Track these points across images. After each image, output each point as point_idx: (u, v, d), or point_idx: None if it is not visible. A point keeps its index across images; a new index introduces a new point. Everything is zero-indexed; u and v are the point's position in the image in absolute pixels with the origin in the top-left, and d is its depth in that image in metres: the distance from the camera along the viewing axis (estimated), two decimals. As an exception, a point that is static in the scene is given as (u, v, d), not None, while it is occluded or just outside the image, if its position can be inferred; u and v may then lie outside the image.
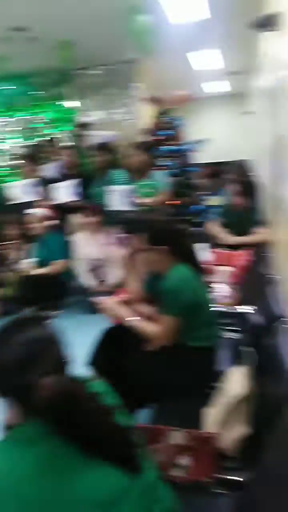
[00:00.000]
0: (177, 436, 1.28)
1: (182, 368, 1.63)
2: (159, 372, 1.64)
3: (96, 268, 3.62)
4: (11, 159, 5.38)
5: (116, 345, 1.80)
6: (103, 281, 3.62)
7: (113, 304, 1.86)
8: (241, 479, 1.19)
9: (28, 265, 3.44)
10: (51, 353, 0.85)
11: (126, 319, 1.76)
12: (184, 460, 1.25)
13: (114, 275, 3.58)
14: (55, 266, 3.46)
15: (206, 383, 1.64)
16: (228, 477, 1.23)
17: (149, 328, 1.69)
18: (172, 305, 1.61)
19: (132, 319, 1.74)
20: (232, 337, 2.01)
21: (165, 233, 1.68)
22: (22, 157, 4.11)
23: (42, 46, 3.97)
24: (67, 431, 0.78)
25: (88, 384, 0.88)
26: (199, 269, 1.71)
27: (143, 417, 1.67)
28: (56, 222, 3.60)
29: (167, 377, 1.62)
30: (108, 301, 1.87)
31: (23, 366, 0.80)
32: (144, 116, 5.08)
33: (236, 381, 1.35)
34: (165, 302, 1.63)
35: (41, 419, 0.77)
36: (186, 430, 1.27)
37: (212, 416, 1.36)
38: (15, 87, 5.17)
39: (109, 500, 0.77)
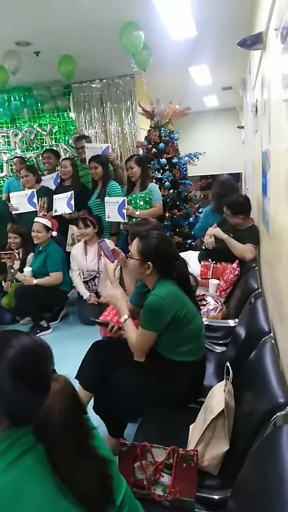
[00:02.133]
0: (159, 454, 1.27)
1: (167, 383, 1.62)
2: (144, 386, 1.64)
3: (92, 279, 3.64)
4: (13, 170, 5.45)
5: (103, 360, 1.80)
6: (97, 292, 3.65)
7: (120, 294, 1.84)
8: (221, 497, 1.18)
9: (27, 274, 3.46)
10: (52, 359, 0.86)
11: (122, 315, 1.76)
12: (166, 479, 1.25)
13: (108, 286, 3.60)
14: (53, 277, 3.48)
15: (191, 398, 1.64)
16: (209, 495, 1.22)
17: (132, 334, 1.70)
18: (150, 322, 1.60)
19: (126, 317, 1.74)
20: (218, 350, 2.02)
21: (154, 249, 1.67)
22: (24, 168, 4.15)
23: (45, 60, 4.05)
24: (54, 445, 0.77)
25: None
26: (187, 284, 1.71)
27: (127, 433, 1.67)
28: (55, 233, 3.63)
29: (152, 391, 1.62)
30: (116, 291, 1.85)
31: (30, 366, 0.80)
32: (142, 129, 5.16)
33: (219, 397, 1.35)
34: (145, 317, 1.62)
35: (36, 428, 0.76)
36: (169, 447, 1.26)
37: (195, 433, 1.36)
38: (18, 99, 5.25)
39: None
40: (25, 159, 4.80)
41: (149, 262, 1.66)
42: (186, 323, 1.62)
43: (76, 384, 1.80)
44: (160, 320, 1.58)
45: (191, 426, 1.46)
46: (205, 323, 1.89)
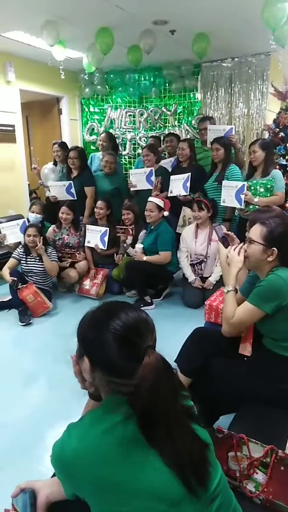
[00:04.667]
0: (256, 450, 1.23)
1: (272, 379, 1.55)
2: (246, 380, 1.59)
3: (199, 263, 3.63)
4: (135, 149, 5.69)
5: (204, 348, 1.79)
6: (203, 276, 3.63)
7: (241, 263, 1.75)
8: None
9: (138, 250, 3.62)
10: (153, 334, 0.91)
11: (227, 284, 1.71)
12: (260, 476, 1.20)
13: (215, 271, 3.56)
14: (162, 256, 3.57)
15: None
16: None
17: (230, 307, 1.64)
18: (262, 298, 1.54)
19: (230, 289, 1.68)
20: None
21: (280, 233, 1.59)
22: (146, 147, 4.29)
23: (179, 39, 4.04)
24: (148, 417, 0.81)
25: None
26: None
27: (223, 422, 1.65)
28: (167, 212, 3.69)
29: (254, 386, 1.56)
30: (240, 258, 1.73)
31: (129, 337, 0.86)
32: (270, 111, 4.83)
33: None
34: (258, 292, 1.56)
35: (129, 396, 0.82)
36: (267, 446, 1.21)
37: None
38: (148, 79, 5.38)
39: (170, 500, 0.80)
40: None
41: (274, 248, 1.58)
42: None
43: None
44: (273, 300, 1.51)
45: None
46: None
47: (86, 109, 5.96)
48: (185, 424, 0.87)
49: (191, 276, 3.62)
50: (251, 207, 3.31)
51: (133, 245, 3.81)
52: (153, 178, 3.99)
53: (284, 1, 2.93)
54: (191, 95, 5.35)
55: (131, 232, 3.88)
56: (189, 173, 3.74)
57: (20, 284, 3.44)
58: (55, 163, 4.58)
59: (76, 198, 4.12)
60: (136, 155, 5.59)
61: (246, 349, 1.70)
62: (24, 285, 3.46)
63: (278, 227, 1.59)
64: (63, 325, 3.27)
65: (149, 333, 0.90)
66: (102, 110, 5.88)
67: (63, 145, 4.56)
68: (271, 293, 1.52)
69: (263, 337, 1.68)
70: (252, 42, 4.31)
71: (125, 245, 3.84)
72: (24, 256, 3.62)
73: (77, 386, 1.01)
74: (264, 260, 1.62)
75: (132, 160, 5.74)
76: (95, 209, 4.03)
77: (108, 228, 3.85)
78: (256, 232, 1.63)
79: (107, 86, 5.67)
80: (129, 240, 3.88)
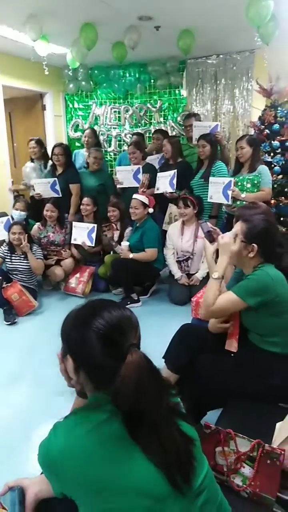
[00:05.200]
0: (243, 444, 1.24)
1: (259, 375, 1.56)
2: (233, 376, 1.60)
3: (185, 260, 3.64)
4: (121, 145, 5.67)
5: (192, 344, 1.79)
6: (189, 273, 3.65)
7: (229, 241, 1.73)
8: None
9: (124, 247, 3.60)
10: (136, 332, 0.91)
11: (214, 271, 1.68)
12: (247, 470, 1.21)
13: (201, 268, 3.57)
14: (148, 253, 3.57)
15: (282, 394, 1.56)
16: (291, 499, 1.16)
17: (212, 294, 1.62)
18: (247, 291, 1.55)
19: (217, 276, 1.66)
20: None
21: (261, 230, 1.60)
22: (131, 144, 4.27)
23: (164, 35, 4.03)
24: (132, 415, 0.81)
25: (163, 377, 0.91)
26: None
27: (210, 417, 1.66)
28: (152, 209, 3.68)
29: (241, 382, 1.57)
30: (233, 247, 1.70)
31: (112, 336, 0.86)
32: (254, 108, 4.86)
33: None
34: (244, 286, 1.57)
35: (112, 395, 0.82)
36: (254, 440, 1.22)
37: (282, 432, 1.29)
38: (133, 75, 5.36)
39: (155, 496, 0.80)
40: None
41: (254, 244, 1.59)
42: (283, 311, 1.55)
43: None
44: (259, 295, 1.53)
45: (278, 424, 1.39)
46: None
47: (71, 105, 5.89)
48: (170, 421, 0.86)
49: (177, 273, 3.63)
50: (238, 202, 3.33)
51: (119, 242, 3.80)
52: (140, 175, 3.97)
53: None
54: (177, 92, 5.35)
55: (115, 227, 3.86)
56: (175, 170, 3.74)
57: (4, 282, 3.39)
58: (32, 160, 4.48)
59: (61, 195, 4.08)
60: (122, 151, 5.56)
61: (232, 345, 1.70)
62: (9, 284, 3.41)
63: (260, 224, 1.61)
64: (48, 324, 3.23)
65: (132, 331, 0.90)
66: (86, 107, 5.82)
67: (39, 142, 4.43)
68: (258, 288, 1.54)
69: (249, 333, 1.69)
70: (236, 39, 4.33)
71: (113, 243, 3.82)
72: (8, 254, 3.57)
73: (63, 384, 1.00)
74: (245, 256, 1.64)
75: (117, 157, 5.71)
76: (82, 206, 4.00)
77: (95, 224, 3.83)
78: (238, 228, 1.66)
79: (91, 82, 5.62)
80: (116, 236, 3.87)
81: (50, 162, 4.37)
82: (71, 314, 0.95)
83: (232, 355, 1.70)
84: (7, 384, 2.44)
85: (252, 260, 1.63)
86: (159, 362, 0.90)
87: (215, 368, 1.64)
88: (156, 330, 2.10)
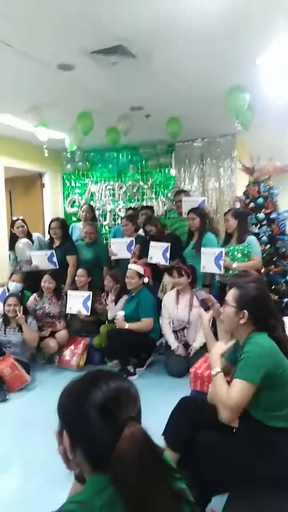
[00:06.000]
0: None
1: (265, 454, 1.47)
2: (237, 455, 1.50)
3: (181, 329, 3.62)
4: (115, 219, 5.93)
5: (193, 419, 1.71)
6: (186, 343, 3.60)
7: (216, 346, 1.75)
8: None
9: (119, 318, 3.59)
10: (135, 404, 0.87)
11: (214, 367, 1.63)
12: None
13: (198, 337, 3.54)
14: (144, 323, 3.55)
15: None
16: None
17: (222, 389, 1.54)
18: (247, 370, 1.48)
19: (218, 370, 1.61)
20: None
21: (253, 297, 1.62)
22: (125, 217, 4.48)
23: (154, 122, 4.46)
24: (135, 501, 0.75)
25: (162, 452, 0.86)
26: (284, 345, 1.57)
27: (216, 504, 1.53)
28: (147, 279, 3.75)
29: (247, 463, 1.47)
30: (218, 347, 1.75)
31: (109, 408, 0.82)
32: (240, 184, 5.22)
33: None
34: (242, 365, 1.51)
35: (111, 475, 0.76)
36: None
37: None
38: (126, 157, 5.80)
39: None
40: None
41: (245, 310, 1.60)
42: (284, 382, 1.50)
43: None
44: (258, 369, 1.47)
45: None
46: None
47: (68, 184, 6.26)
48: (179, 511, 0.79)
49: (174, 344, 3.58)
50: (230, 272, 3.42)
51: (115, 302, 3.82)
52: (133, 247, 4.11)
53: (244, 91, 3.34)
54: (166, 171, 5.76)
55: (105, 302, 3.91)
56: (169, 244, 3.87)
57: (-3, 356, 3.30)
58: (29, 237, 4.48)
59: (58, 267, 4.15)
60: (116, 225, 5.80)
61: (232, 416, 1.64)
62: (1, 357, 3.32)
63: (252, 291, 1.63)
64: (41, 401, 3.09)
65: (131, 403, 0.86)
66: (83, 184, 6.18)
67: (24, 221, 4.46)
68: (253, 364, 1.49)
69: (252, 411, 1.59)
70: (219, 125, 4.77)
71: (107, 305, 3.82)
72: (2, 327, 3.52)
73: (57, 469, 0.93)
74: (237, 323, 1.63)
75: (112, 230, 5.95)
76: (76, 278, 4.06)
77: (91, 292, 3.85)
78: (230, 295, 1.68)
79: (87, 163, 6.04)
80: (111, 305, 3.88)
81: (47, 236, 4.52)
82: (67, 386, 0.92)
83: (234, 430, 1.63)
84: (-4, 469, 2.26)
85: (243, 327, 1.62)
86: (158, 441, 0.85)
87: (218, 448, 1.55)
88: (154, 405, 2.01)
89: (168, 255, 3.85)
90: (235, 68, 3.19)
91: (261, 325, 1.60)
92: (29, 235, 4.51)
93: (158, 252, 3.92)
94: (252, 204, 4.30)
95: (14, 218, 4.59)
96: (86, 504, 0.77)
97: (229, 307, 1.65)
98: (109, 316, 3.83)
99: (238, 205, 4.62)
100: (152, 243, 4.02)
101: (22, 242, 4.50)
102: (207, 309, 1.89)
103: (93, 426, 0.81)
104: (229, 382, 1.57)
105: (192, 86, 3.57)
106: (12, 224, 4.48)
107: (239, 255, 3.49)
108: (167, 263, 3.84)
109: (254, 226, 4.14)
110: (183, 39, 2.70)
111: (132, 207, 5.57)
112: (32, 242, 4.49)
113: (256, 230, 4.12)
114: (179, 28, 2.54)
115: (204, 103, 3.99)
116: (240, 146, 5.18)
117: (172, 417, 1.80)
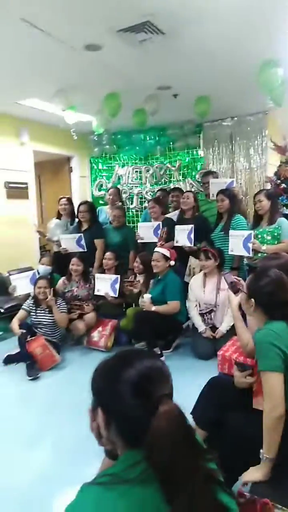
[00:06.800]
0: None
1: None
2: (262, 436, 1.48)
3: (208, 312, 3.60)
4: (142, 203, 5.90)
5: (221, 399, 1.72)
6: (213, 326, 3.58)
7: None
8: None
9: (146, 300, 3.61)
10: (168, 382, 0.87)
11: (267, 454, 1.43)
12: None
13: (225, 321, 3.51)
14: (171, 305, 3.56)
15: None
16: None
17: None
18: (265, 359, 1.43)
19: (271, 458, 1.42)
20: None
21: (260, 286, 1.55)
22: (152, 199, 4.45)
23: (182, 102, 4.35)
24: (169, 480, 0.75)
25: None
26: None
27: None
28: (173, 262, 3.73)
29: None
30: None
31: (143, 386, 0.83)
32: (271, 164, 5.05)
33: None
34: (258, 356, 1.47)
35: (145, 451, 0.77)
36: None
37: None
38: (153, 138, 5.72)
39: None
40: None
41: (252, 299, 1.56)
42: None
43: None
44: (275, 354, 1.40)
45: None
46: None
47: (95, 167, 6.27)
48: (208, 491, 0.78)
49: (201, 326, 3.57)
50: (259, 255, 3.34)
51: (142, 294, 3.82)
52: (159, 231, 4.09)
53: (276, 66, 3.18)
54: (194, 152, 5.64)
55: (138, 284, 3.92)
56: (192, 225, 3.83)
57: (28, 336, 3.41)
58: (59, 217, 4.70)
59: (86, 250, 4.20)
60: (143, 208, 5.78)
61: (260, 403, 1.62)
62: (33, 338, 3.43)
63: (264, 279, 1.56)
64: (71, 380, 3.19)
65: (164, 381, 0.87)
66: (110, 168, 6.17)
67: (70, 200, 4.75)
68: (267, 350, 1.43)
69: None
70: (249, 103, 4.61)
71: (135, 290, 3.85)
72: (34, 308, 3.63)
73: (86, 446, 0.96)
74: (249, 309, 1.59)
75: (139, 213, 5.92)
76: (104, 260, 4.10)
77: (118, 276, 3.89)
78: (248, 279, 1.65)
79: (114, 146, 6.01)
80: (138, 289, 3.90)
81: (76, 219, 4.58)
82: (101, 365, 0.93)
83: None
84: (28, 444, 2.35)
85: (255, 315, 1.58)
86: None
87: (245, 428, 1.54)
88: (182, 387, 2.02)
89: (192, 236, 3.80)
90: (267, 42, 3.04)
91: (272, 314, 1.53)
92: (72, 216, 4.59)
93: (183, 234, 3.88)
94: (283, 185, 4.15)
95: (60, 196, 4.79)
96: (118, 476, 0.79)
97: (243, 293, 1.63)
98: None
99: (269, 186, 4.48)
100: (177, 226, 3.98)
101: (54, 222, 4.61)
102: (236, 292, 1.86)
103: (128, 403, 0.82)
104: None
105: (222, 63, 3.44)
106: (58, 201, 4.68)
107: (269, 237, 3.39)
108: (192, 245, 3.80)
109: (285, 207, 4.01)
110: (213, 13, 2.59)
111: (162, 188, 5.51)
112: (72, 223, 4.59)
113: (287, 212, 3.99)
114: (208, 1, 2.43)
115: (234, 80, 3.85)
116: (272, 124, 4.98)
117: (202, 396, 1.82)
